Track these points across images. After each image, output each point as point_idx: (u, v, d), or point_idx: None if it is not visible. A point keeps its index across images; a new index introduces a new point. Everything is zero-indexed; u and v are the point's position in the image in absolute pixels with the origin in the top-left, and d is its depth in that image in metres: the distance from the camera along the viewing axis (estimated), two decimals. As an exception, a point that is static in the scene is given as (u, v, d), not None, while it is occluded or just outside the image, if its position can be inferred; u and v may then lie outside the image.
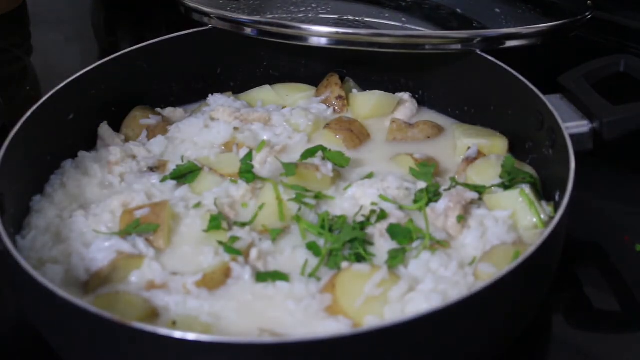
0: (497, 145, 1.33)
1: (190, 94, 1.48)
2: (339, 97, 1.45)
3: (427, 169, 1.28)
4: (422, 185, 1.26)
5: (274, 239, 1.17)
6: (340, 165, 1.28)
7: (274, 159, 1.30)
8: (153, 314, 1.06)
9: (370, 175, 1.28)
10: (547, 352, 1.18)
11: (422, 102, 1.46)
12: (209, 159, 1.31)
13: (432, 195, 1.22)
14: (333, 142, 1.36)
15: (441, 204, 1.20)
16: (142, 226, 1.16)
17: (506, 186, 1.22)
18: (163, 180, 1.27)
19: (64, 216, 1.22)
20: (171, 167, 1.29)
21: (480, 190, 1.22)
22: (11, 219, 1.15)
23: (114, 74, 1.38)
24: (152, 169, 1.31)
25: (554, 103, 1.24)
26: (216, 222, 1.18)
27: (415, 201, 1.23)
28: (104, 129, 1.37)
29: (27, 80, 1.73)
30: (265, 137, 1.35)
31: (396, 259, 1.12)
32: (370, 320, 1.03)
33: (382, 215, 1.19)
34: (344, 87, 1.47)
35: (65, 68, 1.81)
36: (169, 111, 1.43)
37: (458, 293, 1.05)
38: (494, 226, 1.17)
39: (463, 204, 1.19)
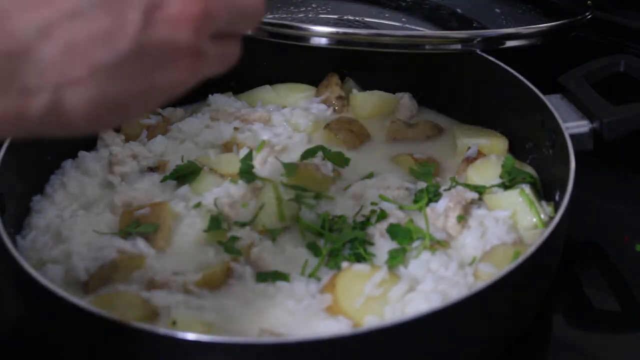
0: (497, 145, 1.33)
1: (190, 93, 1.47)
2: (339, 97, 1.45)
3: (427, 168, 1.28)
4: (422, 185, 1.26)
5: (274, 239, 1.17)
6: (340, 165, 1.28)
7: (274, 159, 1.30)
8: (153, 314, 1.06)
9: (370, 175, 1.28)
10: (547, 352, 1.18)
11: (422, 102, 1.46)
12: (209, 159, 1.31)
13: (432, 195, 1.22)
14: (333, 142, 1.36)
15: (441, 204, 1.20)
16: (142, 226, 1.16)
17: (506, 186, 1.23)
18: (163, 180, 1.27)
19: (64, 216, 1.22)
20: (171, 167, 1.29)
21: (480, 190, 1.22)
22: (11, 219, 1.15)
23: (114, 74, 1.38)
24: (152, 169, 1.31)
25: (554, 103, 1.24)
26: (216, 222, 1.18)
27: (416, 201, 1.23)
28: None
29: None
30: (265, 137, 1.35)
31: (396, 259, 1.12)
32: (371, 320, 1.03)
33: (382, 215, 1.19)
34: (344, 87, 1.47)
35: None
36: (169, 111, 1.43)
37: (458, 293, 1.05)
38: (494, 226, 1.17)
39: (463, 204, 1.19)
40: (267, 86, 1.49)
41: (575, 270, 1.27)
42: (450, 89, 1.42)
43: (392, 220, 1.18)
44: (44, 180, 1.29)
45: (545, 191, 1.24)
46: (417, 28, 1.35)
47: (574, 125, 1.24)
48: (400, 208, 1.21)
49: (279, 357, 0.93)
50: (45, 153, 1.30)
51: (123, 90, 0.71)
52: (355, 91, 1.47)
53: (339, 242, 1.14)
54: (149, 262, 1.13)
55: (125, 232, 1.16)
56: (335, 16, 1.38)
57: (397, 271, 1.11)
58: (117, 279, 1.11)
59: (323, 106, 1.44)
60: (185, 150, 1.34)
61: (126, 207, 1.22)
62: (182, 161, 1.30)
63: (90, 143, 1.36)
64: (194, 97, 1.47)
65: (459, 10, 1.41)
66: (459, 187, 1.23)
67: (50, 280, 1.02)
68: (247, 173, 1.25)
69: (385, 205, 1.20)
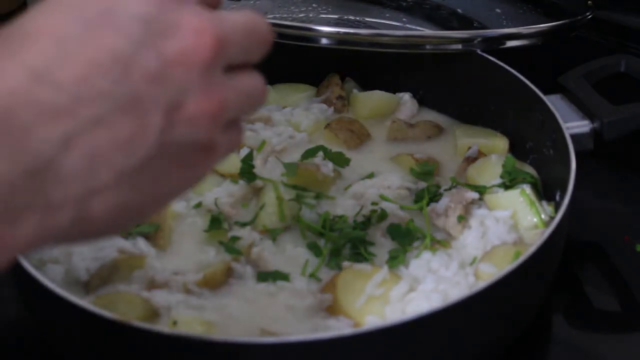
0: (497, 145, 1.33)
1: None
2: (340, 97, 1.45)
3: (428, 168, 1.28)
4: (422, 185, 1.26)
5: (274, 238, 1.17)
6: (341, 165, 1.28)
7: (275, 158, 1.30)
8: (154, 314, 1.06)
9: (370, 175, 1.28)
10: (547, 352, 1.18)
11: (422, 102, 1.46)
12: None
13: (433, 195, 1.22)
14: (333, 141, 1.36)
15: (442, 204, 1.20)
16: (142, 226, 1.16)
17: (507, 186, 1.23)
18: (164, 180, 1.27)
19: (65, 216, 1.22)
20: (172, 166, 1.29)
21: (480, 190, 1.22)
22: (12, 218, 1.15)
23: (114, 73, 1.37)
24: (152, 169, 1.31)
25: (554, 103, 1.24)
26: (217, 222, 1.18)
27: (416, 201, 1.23)
28: (105, 129, 1.36)
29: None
30: (265, 137, 1.35)
31: (397, 259, 1.12)
32: (371, 320, 1.03)
33: (383, 215, 1.19)
34: (345, 87, 1.47)
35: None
36: (169, 111, 1.43)
37: (459, 293, 1.05)
38: (494, 226, 1.17)
39: (464, 203, 1.19)
40: (268, 86, 1.48)
41: (576, 270, 1.27)
42: (451, 89, 1.42)
43: (392, 220, 1.18)
44: (44, 180, 1.29)
45: (545, 191, 1.24)
46: (418, 28, 1.35)
47: (574, 125, 1.24)
48: (401, 208, 1.21)
49: (279, 357, 0.93)
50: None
51: (145, 192, 0.70)
52: (355, 91, 1.46)
53: (340, 242, 1.14)
54: (149, 261, 1.13)
55: (126, 232, 1.16)
56: (336, 16, 1.38)
57: (398, 271, 1.11)
58: (117, 278, 1.11)
59: (323, 106, 1.44)
60: (186, 150, 1.34)
61: (127, 207, 1.22)
62: (183, 161, 1.30)
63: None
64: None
65: (459, 10, 1.42)
66: (460, 187, 1.23)
67: (50, 280, 1.01)
68: (247, 173, 1.25)
69: (385, 205, 1.20)
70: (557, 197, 1.18)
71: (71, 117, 0.64)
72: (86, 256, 1.13)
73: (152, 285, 1.10)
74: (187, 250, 1.17)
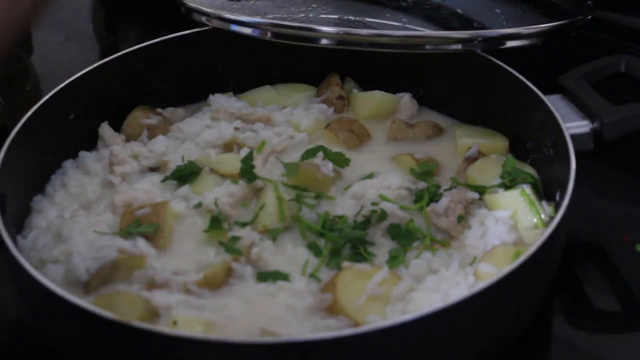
0: (497, 145, 1.33)
1: (191, 93, 1.48)
2: (340, 97, 1.45)
3: (428, 168, 1.28)
4: (422, 185, 1.26)
5: (274, 238, 1.17)
6: (341, 165, 1.29)
7: (275, 159, 1.30)
8: (154, 314, 1.06)
9: (370, 175, 1.28)
10: (547, 352, 1.18)
11: (422, 102, 1.46)
12: (210, 159, 1.31)
13: (433, 195, 1.22)
14: (334, 142, 1.36)
15: (442, 204, 1.20)
16: (143, 226, 1.16)
17: (507, 186, 1.23)
18: (164, 180, 1.27)
19: (65, 216, 1.22)
20: (172, 167, 1.29)
21: (480, 190, 1.22)
22: (12, 218, 1.15)
23: (114, 74, 1.38)
24: (152, 169, 1.31)
25: (554, 103, 1.24)
26: (217, 222, 1.18)
27: (416, 201, 1.23)
28: (105, 129, 1.37)
29: (27, 80, 1.72)
30: (266, 137, 1.35)
31: (397, 258, 1.12)
32: (371, 320, 1.03)
33: (383, 215, 1.19)
34: (345, 87, 1.47)
35: (65, 68, 1.80)
36: (169, 111, 1.43)
37: (459, 293, 1.05)
38: (494, 226, 1.17)
39: (464, 203, 1.19)
40: (268, 86, 1.49)
41: (576, 270, 1.27)
42: (451, 89, 1.42)
43: (392, 220, 1.19)
44: (44, 180, 1.29)
45: (545, 191, 1.24)
46: (418, 28, 1.35)
47: (574, 125, 1.24)
48: (401, 208, 1.21)
49: (279, 357, 0.93)
50: (46, 153, 1.30)
51: None
52: (355, 91, 1.47)
53: (340, 242, 1.14)
54: (149, 262, 1.13)
55: (126, 232, 1.17)
56: (336, 16, 1.38)
57: (398, 271, 1.11)
58: (117, 278, 1.12)
59: (323, 106, 1.44)
60: (186, 150, 1.34)
61: (127, 207, 1.22)
62: (183, 161, 1.30)
63: (90, 143, 1.37)
64: (195, 97, 1.48)
65: (459, 11, 1.42)
66: (460, 187, 1.23)
67: (50, 280, 1.02)
68: (247, 173, 1.25)
69: (385, 205, 1.20)
70: (557, 197, 1.18)
71: None
72: (86, 256, 1.13)
73: (152, 285, 1.10)
74: (187, 251, 1.17)
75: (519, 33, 1.34)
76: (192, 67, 1.47)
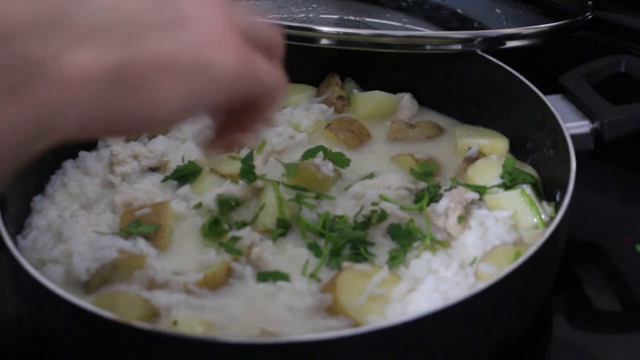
0: (497, 145, 1.33)
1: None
2: (340, 97, 1.45)
3: (428, 169, 1.28)
4: (422, 185, 1.26)
5: (274, 239, 1.17)
6: (341, 165, 1.29)
7: (275, 159, 1.30)
8: (154, 314, 1.06)
9: (370, 176, 1.28)
10: (547, 352, 1.18)
11: (422, 102, 1.46)
12: (210, 159, 1.31)
13: (433, 195, 1.22)
14: (334, 142, 1.36)
15: (442, 204, 1.20)
16: (143, 226, 1.16)
17: (507, 186, 1.23)
18: (164, 180, 1.27)
19: (65, 216, 1.22)
20: (172, 167, 1.29)
21: (480, 190, 1.22)
22: (12, 218, 1.15)
23: (114, 73, 1.37)
24: (153, 169, 1.31)
25: (554, 103, 1.24)
26: (217, 222, 1.18)
27: (416, 201, 1.23)
28: (105, 129, 1.36)
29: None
30: (266, 137, 1.35)
31: (397, 259, 1.12)
32: (371, 321, 1.03)
33: (383, 216, 1.19)
34: (345, 87, 1.47)
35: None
36: (169, 111, 1.43)
37: (459, 293, 1.05)
38: (494, 226, 1.17)
39: (464, 204, 1.19)
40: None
41: (576, 271, 1.27)
42: (451, 89, 1.42)
43: (392, 220, 1.19)
44: (44, 180, 1.29)
45: (545, 191, 1.24)
46: (418, 28, 1.35)
47: (574, 125, 1.24)
48: (401, 208, 1.21)
49: (279, 357, 0.93)
50: (46, 153, 1.29)
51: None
52: (355, 91, 1.47)
53: (340, 242, 1.14)
54: (149, 262, 1.13)
55: (126, 232, 1.17)
56: (336, 16, 1.38)
57: (398, 271, 1.11)
58: (117, 279, 1.11)
59: (324, 106, 1.44)
60: (186, 150, 1.34)
61: (127, 207, 1.22)
62: (183, 161, 1.30)
63: (90, 143, 1.37)
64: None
65: (459, 11, 1.42)
66: (460, 187, 1.23)
67: (50, 280, 1.02)
68: (248, 173, 1.25)
69: (385, 205, 1.20)
70: (557, 197, 1.18)
71: None
72: (86, 256, 1.13)
73: (152, 285, 1.10)
74: (187, 251, 1.17)
75: (519, 33, 1.34)
76: (192, 67, 1.46)
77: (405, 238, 1.15)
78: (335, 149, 1.32)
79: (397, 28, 1.36)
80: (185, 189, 1.26)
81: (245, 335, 1.02)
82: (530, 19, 1.39)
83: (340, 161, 1.29)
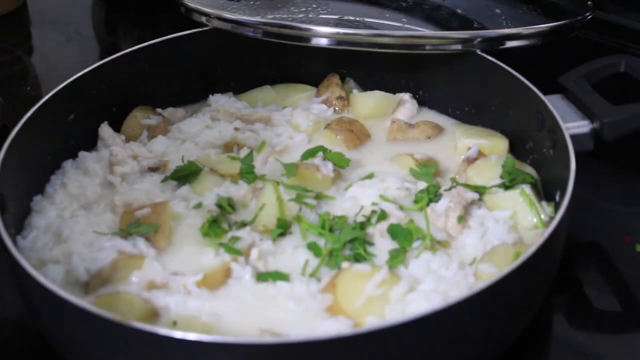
0: (497, 145, 1.33)
1: (191, 94, 1.48)
2: (340, 98, 1.45)
3: (428, 169, 1.28)
4: (422, 185, 1.26)
5: (274, 239, 1.17)
6: (341, 166, 1.29)
7: (275, 159, 1.30)
8: (153, 314, 1.06)
9: (370, 176, 1.28)
10: (547, 352, 1.18)
11: (422, 102, 1.46)
12: (210, 159, 1.31)
13: (433, 195, 1.22)
14: (334, 142, 1.36)
15: (442, 204, 1.20)
16: (142, 226, 1.16)
17: (507, 186, 1.23)
18: (164, 180, 1.27)
19: (65, 216, 1.22)
20: (172, 167, 1.29)
21: (480, 190, 1.22)
22: (12, 219, 1.15)
23: (114, 74, 1.38)
24: (152, 169, 1.31)
25: (554, 103, 1.24)
26: (216, 222, 1.18)
27: (416, 201, 1.23)
28: (105, 129, 1.37)
29: (27, 80, 1.73)
30: (265, 138, 1.35)
31: (397, 259, 1.12)
32: (371, 321, 1.03)
33: (383, 216, 1.19)
34: (345, 88, 1.47)
35: (65, 68, 1.81)
36: (169, 111, 1.43)
37: (459, 293, 1.05)
38: (494, 226, 1.17)
39: (463, 204, 1.19)
40: (268, 86, 1.50)
41: (576, 271, 1.27)
42: (451, 89, 1.42)
43: (392, 220, 1.19)
44: (44, 180, 1.29)
45: (545, 191, 1.24)
46: (418, 28, 1.35)
47: (574, 125, 1.24)
48: (401, 208, 1.21)
49: (279, 357, 0.93)
50: (46, 153, 1.30)
51: None
52: (355, 91, 1.47)
53: (339, 242, 1.14)
54: (149, 262, 1.13)
55: (126, 232, 1.17)
56: (336, 17, 1.38)
57: (398, 271, 1.11)
58: (117, 279, 1.11)
59: (323, 106, 1.44)
60: (186, 150, 1.34)
61: (126, 207, 1.22)
62: (183, 161, 1.30)
63: (90, 143, 1.37)
64: (195, 97, 1.48)
65: (459, 11, 1.42)
66: (460, 188, 1.23)
67: (50, 280, 1.02)
68: (247, 173, 1.25)
69: (385, 206, 1.20)
70: (557, 197, 1.18)
71: None
72: (86, 256, 1.13)
73: (152, 285, 1.10)
74: (186, 251, 1.17)
75: (519, 33, 1.34)
76: (192, 67, 1.47)
77: (405, 238, 1.15)
78: (335, 149, 1.32)
79: (396, 28, 1.35)
80: (185, 189, 1.26)
81: (245, 336, 1.03)
82: (530, 19, 1.39)
83: (340, 161, 1.29)
